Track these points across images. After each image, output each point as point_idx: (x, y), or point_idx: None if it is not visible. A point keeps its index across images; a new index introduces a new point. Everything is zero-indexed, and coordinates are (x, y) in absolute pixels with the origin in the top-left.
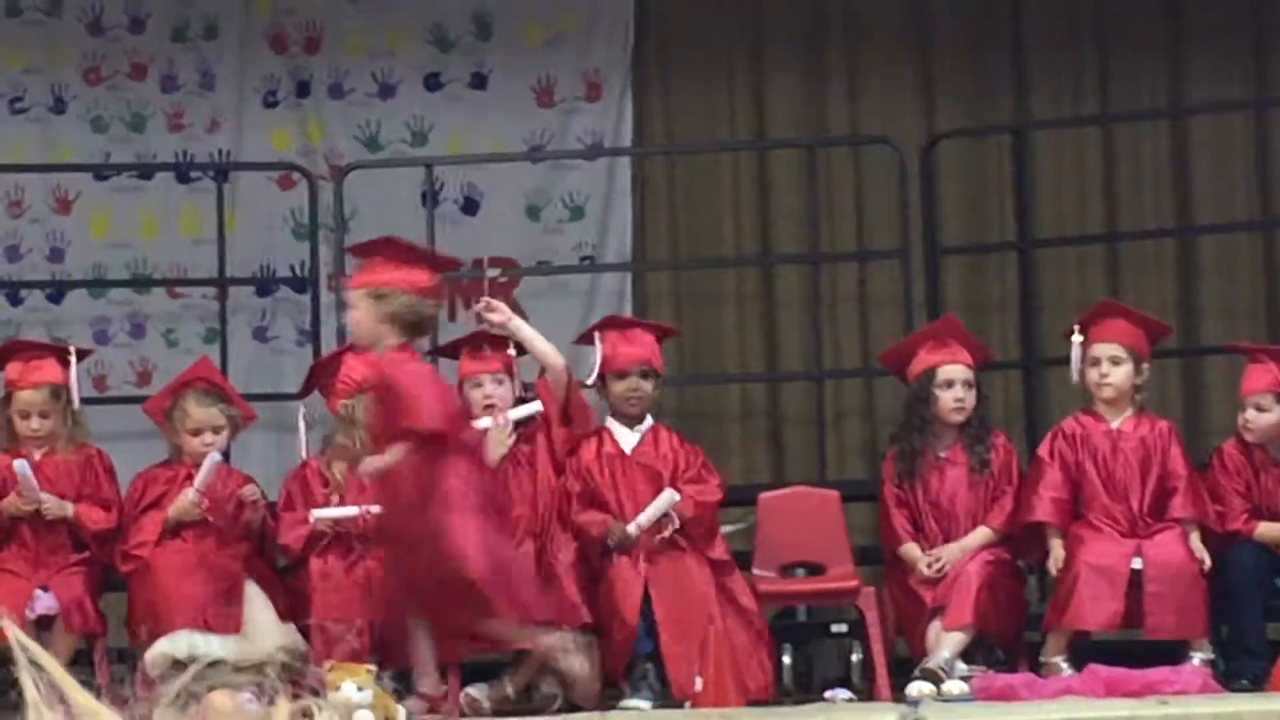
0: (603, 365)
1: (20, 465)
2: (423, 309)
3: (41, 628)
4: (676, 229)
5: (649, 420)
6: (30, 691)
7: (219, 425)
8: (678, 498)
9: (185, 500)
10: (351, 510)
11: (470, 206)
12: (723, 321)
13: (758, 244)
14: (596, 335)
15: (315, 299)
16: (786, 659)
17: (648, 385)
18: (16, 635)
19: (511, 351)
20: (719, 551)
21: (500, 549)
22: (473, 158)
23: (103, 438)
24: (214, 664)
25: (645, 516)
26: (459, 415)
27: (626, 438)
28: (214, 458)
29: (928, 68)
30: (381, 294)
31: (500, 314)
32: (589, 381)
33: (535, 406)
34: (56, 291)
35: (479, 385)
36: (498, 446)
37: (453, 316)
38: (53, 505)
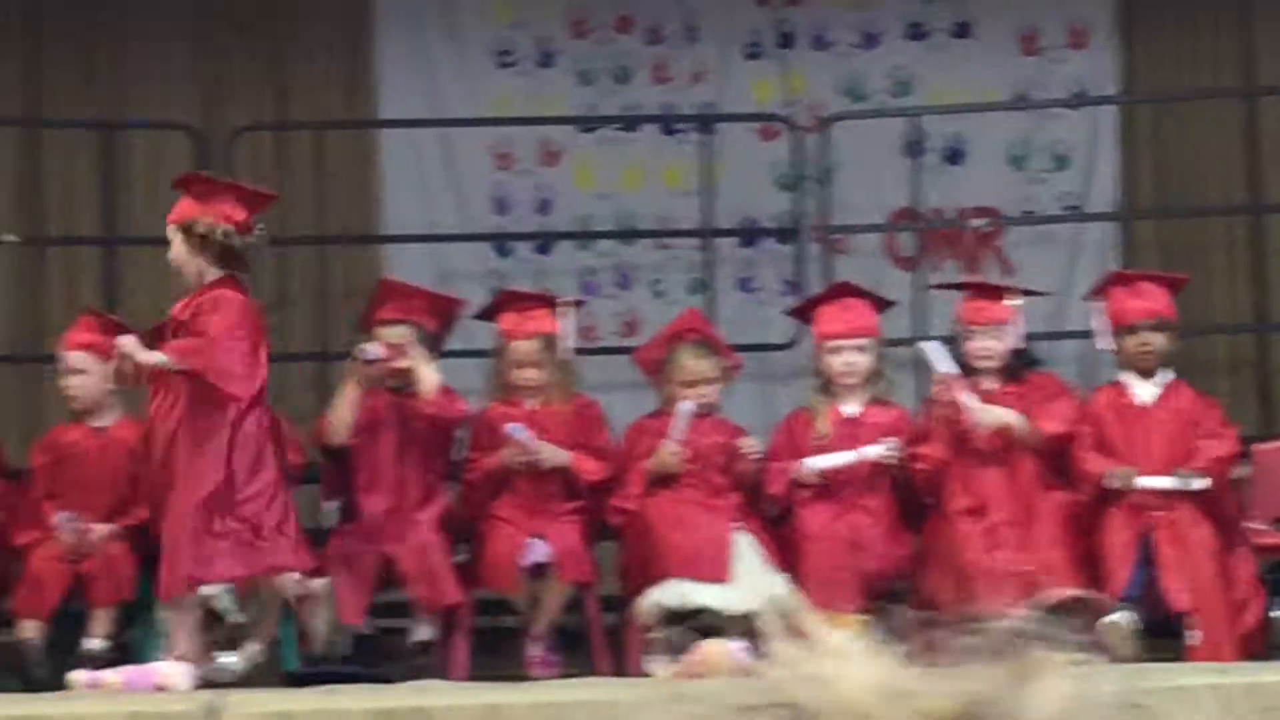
0: (1112, 320)
1: (514, 429)
2: (232, 239)
3: (535, 576)
4: (1163, 177)
5: (1168, 374)
6: (772, 627)
7: (712, 377)
8: (1197, 485)
9: (665, 452)
10: (847, 456)
11: (954, 156)
12: (1211, 271)
13: (1246, 192)
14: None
15: (800, 250)
16: (1277, 613)
17: (1160, 339)
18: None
19: (1012, 301)
20: (1228, 505)
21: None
22: (956, 107)
23: (590, 388)
24: (705, 614)
25: (1161, 482)
26: (246, 371)
27: (1142, 390)
28: (688, 408)
29: None
30: (190, 226)
31: (956, 393)
32: (1100, 344)
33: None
34: (544, 243)
35: (971, 337)
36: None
37: (935, 268)
38: (549, 454)
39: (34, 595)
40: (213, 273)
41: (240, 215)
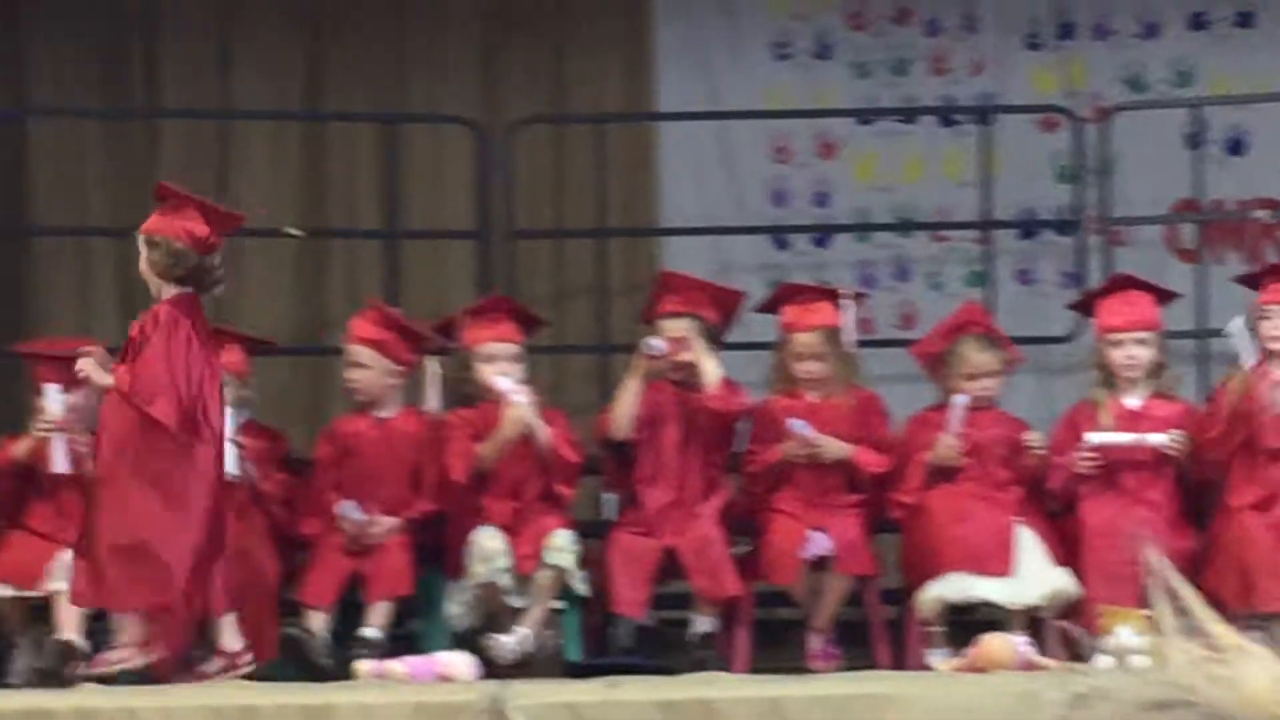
0: None
1: (796, 423)
2: (189, 259)
3: (816, 568)
4: None
5: None
6: (1166, 622)
7: (994, 370)
8: None
9: (942, 445)
10: (1128, 436)
11: (1236, 147)
12: None
13: None
14: None
15: (1080, 242)
16: None
17: None
18: (1156, 562)
19: None
20: None
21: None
22: (1239, 98)
23: (867, 380)
24: (987, 607)
25: None
26: (171, 393)
27: None
28: (962, 401)
29: None
30: (153, 240)
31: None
32: None
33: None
34: (822, 236)
35: (1268, 317)
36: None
37: (1218, 260)
38: (831, 447)
39: (318, 586)
40: (170, 289)
41: (203, 232)
